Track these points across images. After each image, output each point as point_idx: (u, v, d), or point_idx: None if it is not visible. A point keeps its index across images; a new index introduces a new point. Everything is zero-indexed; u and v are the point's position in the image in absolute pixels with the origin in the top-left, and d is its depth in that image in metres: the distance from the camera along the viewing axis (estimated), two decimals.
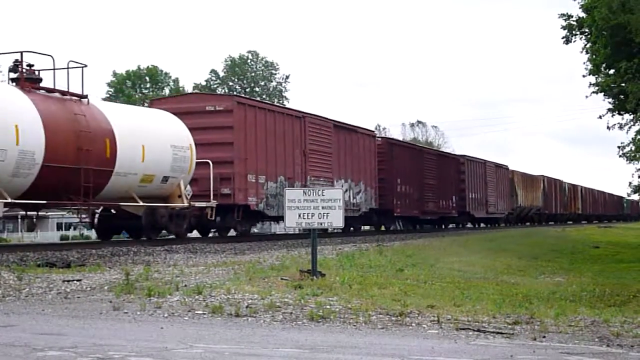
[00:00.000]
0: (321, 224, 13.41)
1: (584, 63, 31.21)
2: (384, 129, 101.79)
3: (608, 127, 32.94)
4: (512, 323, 9.25)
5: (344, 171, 31.57)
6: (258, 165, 25.61)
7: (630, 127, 33.22)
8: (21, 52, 18.64)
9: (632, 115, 31.88)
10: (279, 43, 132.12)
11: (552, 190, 63.39)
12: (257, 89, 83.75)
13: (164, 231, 22.97)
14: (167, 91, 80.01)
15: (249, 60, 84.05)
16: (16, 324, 8.68)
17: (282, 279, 12.84)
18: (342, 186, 30.12)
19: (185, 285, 11.70)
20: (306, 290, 11.24)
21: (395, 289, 12.87)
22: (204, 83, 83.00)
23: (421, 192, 39.41)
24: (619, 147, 36.50)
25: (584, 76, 31.59)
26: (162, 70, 79.89)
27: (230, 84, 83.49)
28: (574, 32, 30.19)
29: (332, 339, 8.09)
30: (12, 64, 18.75)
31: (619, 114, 31.98)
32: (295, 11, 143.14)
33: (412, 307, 10.09)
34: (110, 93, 73.48)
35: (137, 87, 77.71)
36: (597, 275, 22.80)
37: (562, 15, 30.21)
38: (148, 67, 78.85)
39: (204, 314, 9.53)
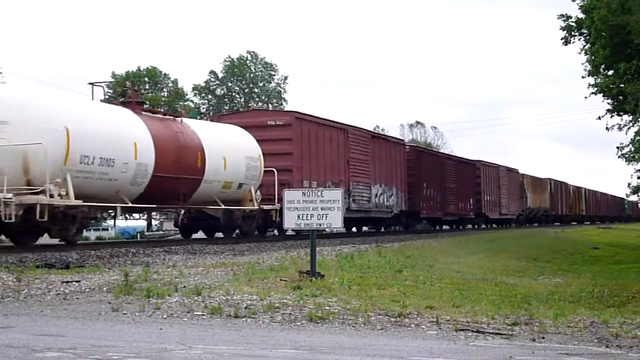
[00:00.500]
0: (320, 225, 13.39)
1: (583, 64, 31.27)
2: (382, 129, 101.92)
3: (607, 128, 33.00)
4: (511, 324, 9.25)
5: (379, 176, 34.65)
6: (311, 172, 28.69)
7: (629, 128, 33.28)
8: (132, 80, 22.23)
9: (631, 116, 31.91)
10: (278, 44, 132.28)
11: (558, 193, 66.23)
12: (256, 90, 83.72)
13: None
14: (166, 92, 79.99)
15: (248, 61, 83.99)
16: (15, 325, 8.68)
17: (281, 280, 12.84)
18: (378, 190, 34.44)
19: (184, 286, 11.70)
20: (305, 291, 11.24)
21: (394, 289, 12.88)
22: (203, 84, 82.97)
23: (443, 195, 42.63)
24: (618, 147, 36.56)
25: (583, 77, 31.65)
26: (161, 71, 79.83)
27: (230, 84, 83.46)
28: (573, 33, 30.20)
29: (331, 340, 8.09)
30: (122, 89, 21.87)
31: (618, 114, 32.00)
32: (294, 12, 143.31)
33: (411, 308, 10.09)
34: (109, 94, 73.43)
35: (137, 88, 77.68)
36: (596, 276, 22.82)
37: (561, 16, 30.23)
38: (147, 68, 78.80)
39: (203, 315, 9.53)
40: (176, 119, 23.65)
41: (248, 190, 25.33)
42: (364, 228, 39.57)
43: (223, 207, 24.34)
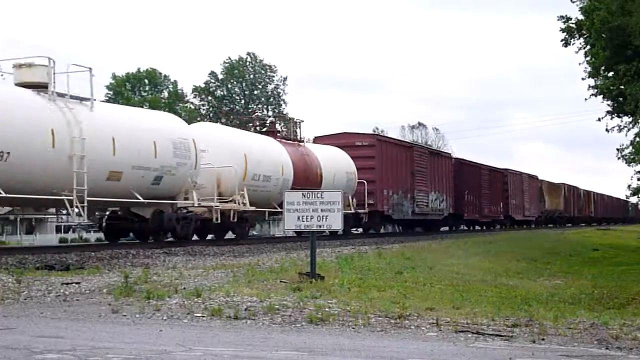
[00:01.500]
0: (320, 227, 13.38)
1: (581, 64, 31.25)
2: (382, 131, 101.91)
3: (607, 130, 32.97)
4: (511, 325, 9.25)
5: (434, 185, 41.57)
6: (388, 182, 35.97)
7: (629, 130, 33.27)
8: (275, 116, 29.90)
9: (630, 118, 31.90)
10: (277, 45, 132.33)
11: (571, 196, 72.88)
12: (255, 92, 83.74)
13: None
14: (165, 94, 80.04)
15: (247, 63, 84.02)
16: (15, 327, 8.68)
17: (281, 281, 12.84)
18: (433, 197, 41.20)
19: (184, 288, 11.69)
20: (305, 293, 11.24)
21: (394, 291, 12.87)
22: (202, 85, 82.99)
23: (480, 200, 49.48)
24: (618, 149, 36.53)
25: (583, 79, 31.63)
26: (161, 73, 79.93)
27: (229, 86, 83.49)
28: (573, 35, 30.20)
29: (331, 341, 8.09)
30: (270, 122, 29.24)
31: (618, 116, 32.00)
32: (294, 13, 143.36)
33: (411, 310, 10.09)
34: (109, 96, 73.44)
35: (137, 89, 77.71)
36: (596, 278, 22.82)
37: (561, 17, 30.23)
38: (147, 69, 78.89)
39: (203, 316, 9.52)
40: (300, 143, 31.71)
41: (348, 197, 31.65)
42: (417, 229, 44.81)
43: None
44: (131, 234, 24.26)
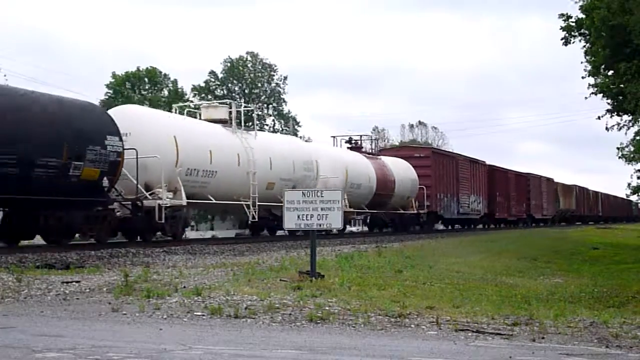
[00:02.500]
0: (320, 225, 13.34)
1: (581, 63, 31.23)
2: (382, 130, 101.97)
3: (607, 128, 32.97)
4: (511, 324, 9.25)
5: (472, 189, 48.66)
6: (441, 187, 43.24)
7: (629, 128, 33.28)
8: (362, 135, 41.28)
9: (630, 116, 31.90)
10: (277, 44, 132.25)
11: (582, 197, 78.99)
12: (255, 91, 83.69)
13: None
14: (166, 92, 79.94)
15: (247, 62, 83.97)
16: (15, 326, 8.68)
17: (281, 280, 12.84)
18: (472, 198, 48.20)
19: (184, 287, 11.69)
20: (305, 292, 11.24)
21: (394, 290, 12.87)
22: (202, 84, 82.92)
23: (508, 201, 56.60)
24: (618, 148, 36.56)
25: (583, 77, 31.60)
26: (161, 72, 79.84)
27: (230, 85, 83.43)
28: (573, 34, 30.17)
29: (331, 340, 8.09)
30: (355, 140, 39.78)
31: (618, 114, 31.99)
32: (294, 12, 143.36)
33: (411, 309, 10.09)
34: (109, 94, 73.40)
35: (137, 88, 77.68)
36: (596, 277, 22.82)
37: (562, 15, 30.20)
38: (147, 68, 78.82)
39: (203, 315, 9.52)
40: (378, 156, 39.78)
41: (411, 200, 40.23)
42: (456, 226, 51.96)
43: (401, 211, 39.88)
44: (265, 230, 32.07)
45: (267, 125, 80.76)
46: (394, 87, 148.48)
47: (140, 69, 78.67)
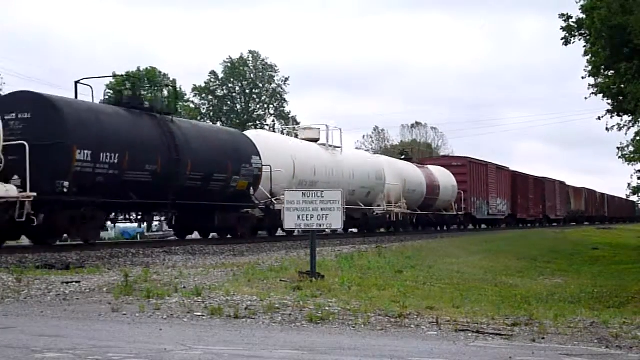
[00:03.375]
0: (320, 226, 13.33)
1: (583, 63, 31.23)
2: (382, 130, 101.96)
3: (607, 129, 32.99)
4: (511, 324, 9.25)
5: (499, 192, 54.72)
6: (474, 192, 49.71)
7: (629, 129, 33.30)
8: (412, 148, 49.15)
9: (631, 117, 31.92)
10: (278, 44, 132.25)
11: (590, 198, 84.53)
12: (256, 91, 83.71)
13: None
14: (165, 93, 79.92)
15: (248, 62, 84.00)
16: (15, 326, 8.68)
17: (281, 280, 12.83)
18: (498, 201, 54.65)
19: (184, 287, 11.69)
20: (305, 292, 11.24)
21: (394, 290, 12.87)
22: (203, 85, 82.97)
23: (527, 203, 62.39)
24: (618, 148, 36.56)
25: (583, 77, 31.62)
26: (160, 72, 79.89)
27: (230, 85, 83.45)
28: (573, 34, 30.17)
29: (331, 340, 8.09)
30: (405, 151, 47.68)
31: (618, 115, 32.01)
32: (294, 12, 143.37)
33: (411, 309, 10.09)
34: (109, 95, 73.45)
35: (137, 88, 77.72)
36: (596, 277, 22.84)
37: (562, 15, 30.21)
38: (147, 68, 78.85)
39: (203, 315, 9.52)
40: (426, 166, 46.16)
41: (452, 202, 47.12)
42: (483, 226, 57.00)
43: (444, 212, 46.64)
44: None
45: (267, 125, 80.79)
46: (391, 87, 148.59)
47: (140, 69, 78.71)
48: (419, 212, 43.00)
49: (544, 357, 7.31)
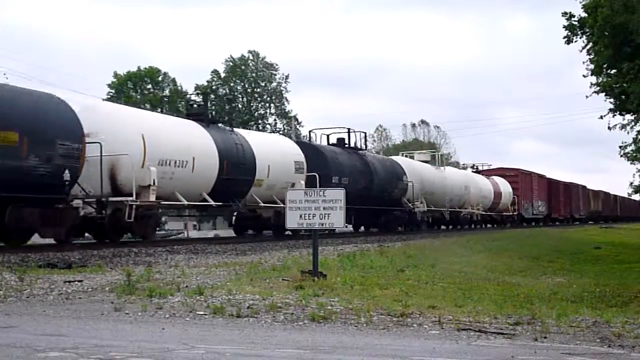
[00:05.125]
0: (322, 225, 13.32)
1: (584, 62, 31.16)
2: (384, 129, 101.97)
3: (609, 127, 32.94)
4: (514, 324, 9.24)
5: (539, 196, 66.08)
6: (523, 196, 60.77)
7: (631, 127, 33.23)
8: (474, 166, 61.89)
9: (633, 116, 31.87)
10: (279, 43, 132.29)
11: (606, 200, 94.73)
12: (257, 90, 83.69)
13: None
14: (167, 92, 79.93)
15: (249, 61, 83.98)
16: (17, 325, 8.68)
17: (283, 279, 12.84)
18: (539, 203, 66.24)
19: (187, 286, 11.70)
20: (307, 291, 11.24)
21: (397, 289, 12.87)
22: (205, 84, 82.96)
23: (558, 204, 72.29)
24: (620, 147, 36.50)
25: (585, 76, 31.56)
26: (160, 71, 79.94)
27: (232, 84, 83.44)
28: (575, 32, 30.12)
29: (334, 339, 8.09)
30: (475, 166, 62.10)
31: (621, 114, 31.96)
32: (295, 11, 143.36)
33: (413, 308, 10.08)
34: (111, 94, 73.45)
35: (138, 87, 77.76)
36: (598, 276, 22.79)
37: (565, 14, 30.15)
38: (147, 67, 78.91)
39: (205, 314, 9.53)
40: (490, 176, 56.13)
41: (508, 205, 57.45)
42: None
43: (503, 213, 57.64)
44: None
45: (268, 124, 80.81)
46: (387, 85, 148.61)
47: (142, 68, 78.78)
48: (489, 213, 55.24)
49: (546, 356, 7.31)
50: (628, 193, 67.59)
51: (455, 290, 14.55)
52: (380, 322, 9.20)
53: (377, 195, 35.22)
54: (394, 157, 42.68)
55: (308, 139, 36.11)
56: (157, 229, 30.41)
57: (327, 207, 13.10)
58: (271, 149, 28.47)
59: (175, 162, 22.46)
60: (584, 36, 30.18)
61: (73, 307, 10.16)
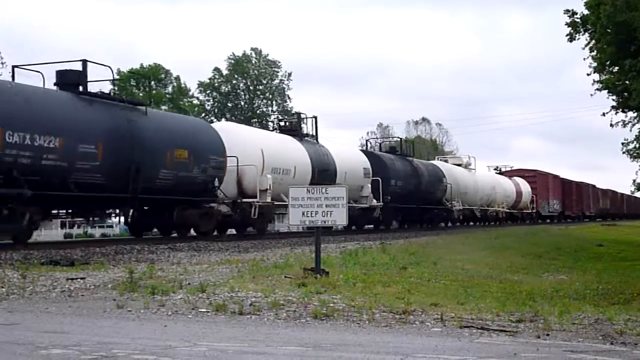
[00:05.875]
0: (325, 222, 13.31)
1: (585, 59, 31.12)
2: (386, 126, 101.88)
3: (611, 125, 32.90)
4: (516, 321, 9.24)
5: (554, 195, 70.25)
6: (540, 195, 65.69)
7: (633, 125, 33.20)
8: (497, 168, 67.48)
9: (635, 113, 31.84)
10: (281, 40, 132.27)
11: (614, 198, 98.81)
12: (259, 87, 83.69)
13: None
14: (170, 89, 80.00)
15: (252, 58, 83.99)
16: (20, 322, 8.69)
17: (285, 277, 12.84)
18: (554, 201, 70.31)
19: (189, 284, 11.70)
20: (310, 288, 11.24)
21: (399, 287, 12.87)
22: (207, 81, 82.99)
23: (571, 202, 76.56)
24: (622, 143, 36.46)
25: (588, 74, 31.54)
26: (163, 68, 79.96)
27: (234, 82, 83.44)
28: (578, 30, 30.08)
29: (336, 337, 8.09)
30: (499, 168, 68.20)
31: (623, 111, 31.94)
32: (297, 8, 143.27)
33: (415, 305, 10.08)
34: (114, 91, 73.47)
35: (141, 85, 77.80)
36: (600, 273, 22.81)
37: (567, 11, 30.12)
38: (150, 65, 78.93)
39: (208, 312, 9.53)
40: (512, 177, 61.57)
41: (527, 203, 62.92)
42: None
43: (524, 211, 62.78)
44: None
45: (271, 122, 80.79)
46: (387, 83, 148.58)
47: (145, 65, 78.76)
48: (511, 211, 59.96)
49: (548, 354, 7.30)
50: (631, 190, 68.07)
51: (458, 287, 14.56)
52: (382, 319, 9.20)
53: (423, 197, 40.82)
54: (434, 162, 48.35)
55: (365, 147, 46.33)
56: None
57: (329, 205, 13.10)
58: (346, 158, 34.33)
59: (283, 170, 28.01)
60: (587, 33, 30.14)
61: (75, 304, 10.17)
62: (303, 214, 13.20)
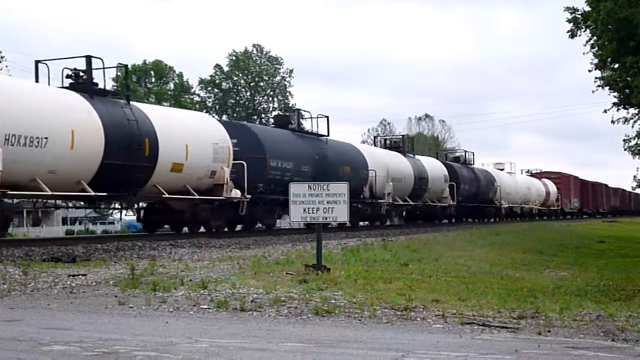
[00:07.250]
0: (326, 219, 13.33)
1: (584, 54, 31.07)
2: (388, 123, 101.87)
3: (612, 121, 32.89)
4: (517, 317, 9.24)
5: (575, 194, 78.15)
6: (564, 194, 75.15)
7: (635, 121, 33.19)
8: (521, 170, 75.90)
9: (637, 109, 31.82)
10: (282, 37, 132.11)
11: (622, 196, 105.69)
12: (261, 84, 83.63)
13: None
14: (171, 85, 79.96)
15: (253, 55, 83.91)
16: (22, 319, 8.71)
17: (287, 273, 12.85)
18: (574, 200, 78.80)
19: (190, 280, 11.71)
20: (311, 285, 11.24)
21: (400, 283, 12.87)
22: (208, 78, 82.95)
23: (587, 201, 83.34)
24: (624, 140, 36.44)
25: (589, 71, 31.50)
26: (166, 65, 79.89)
27: (235, 78, 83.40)
28: (579, 26, 30.04)
29: (337, 333, 8.10)
30: (530, 170, 78.41)
31: (624, 108, 31.93)
32: (298, 4, 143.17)
33: (417, 302, 10.09)
34: (115, 87, 73.44)
35: (143, 81, 77.77)
36: (602, 270, 22.81)
37: (568, 8, 30.07)
38: (153, 61, 78.89)
39: (209, 308, 9.54)
40: (541, 179, 71.30)
41: (553, 202, 71.56)
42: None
43: (551, 208, 71.88)
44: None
45: (272, 119, 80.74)
46: (386, 79, 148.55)
47: (147, 62, 78.70)
48: (541, 208, 68.45)
49: (549, 350, 7.31)
50: (632, 187, 69.04)
51: (459, 284, 14.56)
52: (383, 316, 9.21)
53: (481, 197, 51.14)
54: (486, 168, 57.57)
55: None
56: None
57: (331, 201, 13.10)
58: (433, 167, 44.53)
59: (398, 179, 38.40)
60: (588, 30, 30.10)
61: (77, 300, 10.18)
62: (304, 210, 13.21)
